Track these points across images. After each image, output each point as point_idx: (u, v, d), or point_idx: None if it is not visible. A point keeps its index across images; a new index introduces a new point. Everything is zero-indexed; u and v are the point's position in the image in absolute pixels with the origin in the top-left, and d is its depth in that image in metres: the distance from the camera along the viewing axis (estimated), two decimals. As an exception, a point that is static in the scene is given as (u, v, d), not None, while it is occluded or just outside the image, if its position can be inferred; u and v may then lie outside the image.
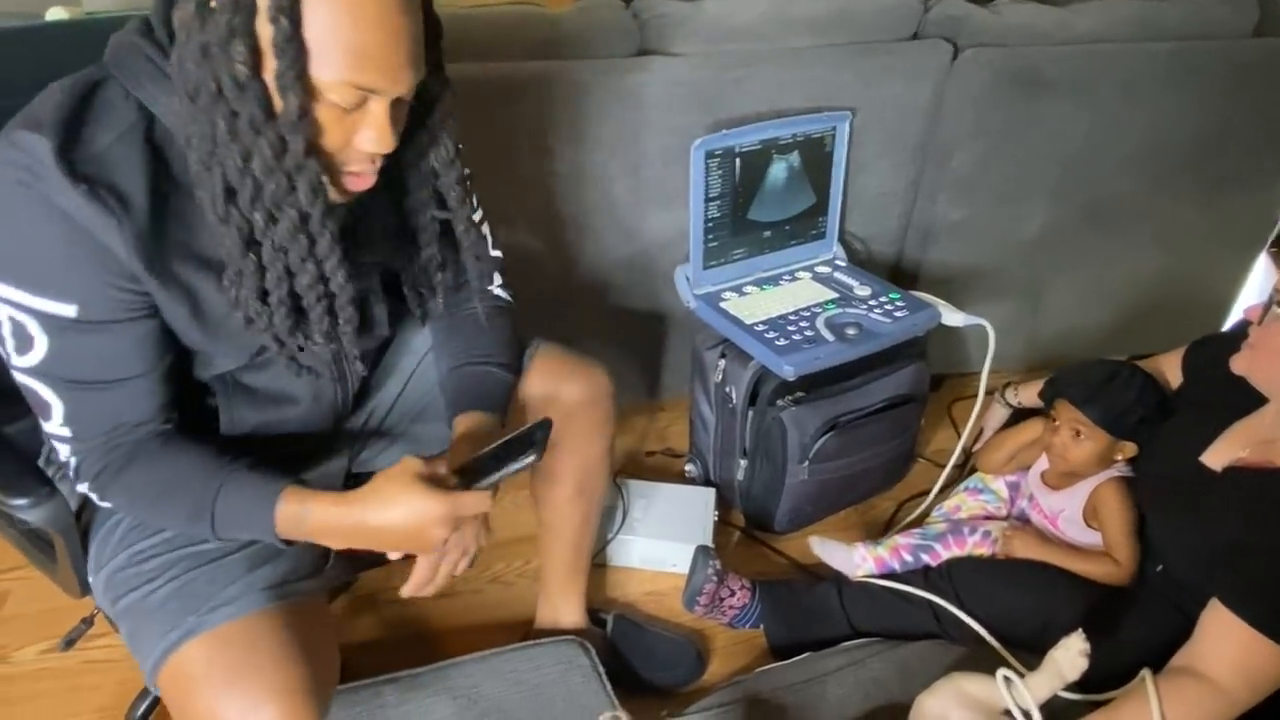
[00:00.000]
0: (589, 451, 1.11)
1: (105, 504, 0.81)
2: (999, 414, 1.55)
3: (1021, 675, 1.02)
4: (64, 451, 0.79)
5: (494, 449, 0.85)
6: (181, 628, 0.80)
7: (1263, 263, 1.97)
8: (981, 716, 1.01)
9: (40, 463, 0.90)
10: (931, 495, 1.55)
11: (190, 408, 0.85)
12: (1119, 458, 1.28)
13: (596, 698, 1.13)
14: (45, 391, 0.75)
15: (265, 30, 0.64)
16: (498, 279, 1.05)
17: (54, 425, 0.77)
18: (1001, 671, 0.97)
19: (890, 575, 1.35)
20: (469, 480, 0.82)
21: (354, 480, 1.03)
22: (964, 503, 1.48)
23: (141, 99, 0.70)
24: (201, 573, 0.83)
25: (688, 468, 1.67)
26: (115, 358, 0.75)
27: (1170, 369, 1.31)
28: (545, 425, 0.85)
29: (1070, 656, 0.99)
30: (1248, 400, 1.08)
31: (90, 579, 0.91)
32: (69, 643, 1.08)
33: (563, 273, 1.56)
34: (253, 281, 0.73)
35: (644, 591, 1.47)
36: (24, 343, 0.72)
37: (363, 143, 0.71)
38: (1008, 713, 1.02)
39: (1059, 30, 1.55)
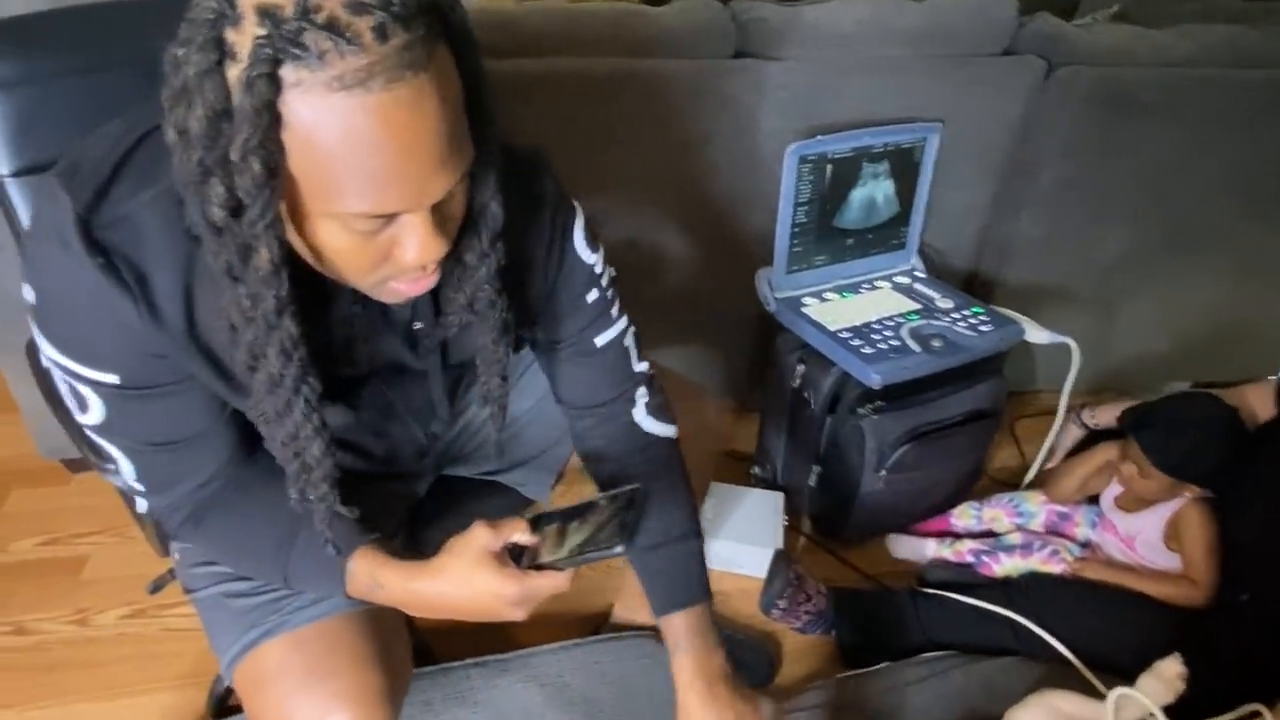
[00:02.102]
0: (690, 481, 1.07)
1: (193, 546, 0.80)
2: (1073, 434, 1.55)
3: (1104, 696, 1.02)
4: (141, 504, 0.76)
5: (584, 506, 0.75)
6: (262, 626, 0.79)
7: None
8: (1074, 735, 1.02)
9: None
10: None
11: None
12: (1186, 494, 1.28)
13: (680, 694, 1.13)
14: (112, 449, 0.71)
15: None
16: (642, 396, 0.90)
17: (126, 480, 0.73)
18: (1118, 690, 0.97)
19: (965, 588, 1.35)
20: (545, 546, 0.73)
21: (440, 483, 1.01)
22: (999, 518, 1.49)
23: None
24: None
25: (754, 470, 1.67)
26: (172, 419, 0.70)
27: (1260, 401, 1.30)
28: (636, 502, 0.74)
29: (1167, 679, 0.99)
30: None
31: (171, 553, 0.91)
32: (157, 587, 1.09)
33: (646, 268, 1.56)
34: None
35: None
36: (81, 404, 0.68)
37: (405, 257, 0.59)
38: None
39: (1152, 53, 1.54)
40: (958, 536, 1.49)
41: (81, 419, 0.69)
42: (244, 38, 0.49)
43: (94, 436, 0.70)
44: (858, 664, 1.27)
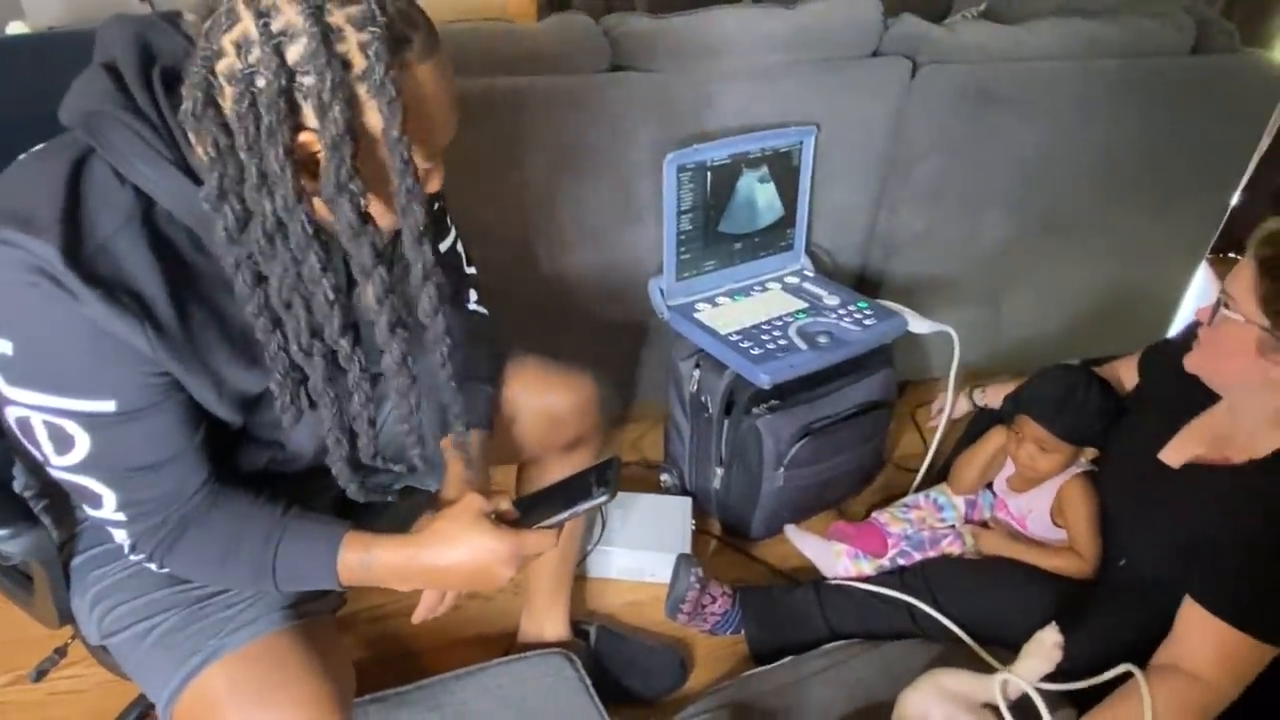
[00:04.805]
0: (578, 461, 1.11)
1: (164, 570, 0.80)
2: (961, 407, 1.59)
3: (995, 670, 1.06)
4: (119, 535, 0.77)
5: (559, 485, 0.85)
6: (203, 652, 0.79)
7: (1203, 271, 2.06)
8: (962, 710, 1.05)
9: (18, 490, 0.87)
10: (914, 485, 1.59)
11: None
12: (1083, 459, 1.33)
13: (585, 710, 1.13)
14: (94, 484, 0.72)
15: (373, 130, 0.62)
16: (473, 295, 1.05)
17: (106, 512, 0.74)
18: (1000, 675, 1.00)
19: (867, 577, 1.38)
20: (532, 517, 0.81)
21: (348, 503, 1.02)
22: (928, 517, 1.51)
23: (136, 182, 0.65)
24: (214, 600, 0.83)
25: (663, 477, 1.68)
26: (160, 438, 0.73)
27: (1126, 372, 1.37)
28: (613, 463, 0.83)
29: (1045, 649, 1.03)
30: (1201, 398, 1.13)
31: (75, 610, 0.88)
32: (41, 674, 1.06)
33: (534, 287, 1.57)
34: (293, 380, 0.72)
35: (624, 602, 1.47)
36: (63, 444, 0.69)
37: (434, 184, 0.73)
38: (986, 705, 1.05)
39: (1012, 48, 1.61)
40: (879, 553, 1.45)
41: (61, 461, 0.70)
42: (351, 46, 0.59)
43: (75, 476, 0.71)
44: (768, 661, 1.29)
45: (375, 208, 0.67)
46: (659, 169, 1.42)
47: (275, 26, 0.58)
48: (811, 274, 1.65)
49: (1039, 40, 1.62)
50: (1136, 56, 1.67)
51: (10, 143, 0.71)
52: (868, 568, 1.41)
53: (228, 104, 0.59)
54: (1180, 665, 1.02)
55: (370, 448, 0.77)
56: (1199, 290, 2.10)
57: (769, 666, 1.23)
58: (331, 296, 0.65)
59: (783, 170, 1.55)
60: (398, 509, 1.05)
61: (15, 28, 1.24)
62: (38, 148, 0.69)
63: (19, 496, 0.85)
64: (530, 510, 0.83)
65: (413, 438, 0.76)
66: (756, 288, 1.60)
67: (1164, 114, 1.72)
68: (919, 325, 1.50)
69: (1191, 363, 1.11)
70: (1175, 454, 1.16)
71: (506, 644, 1.32)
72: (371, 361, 0.72)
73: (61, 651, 1.06)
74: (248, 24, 0.58)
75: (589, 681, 1.17)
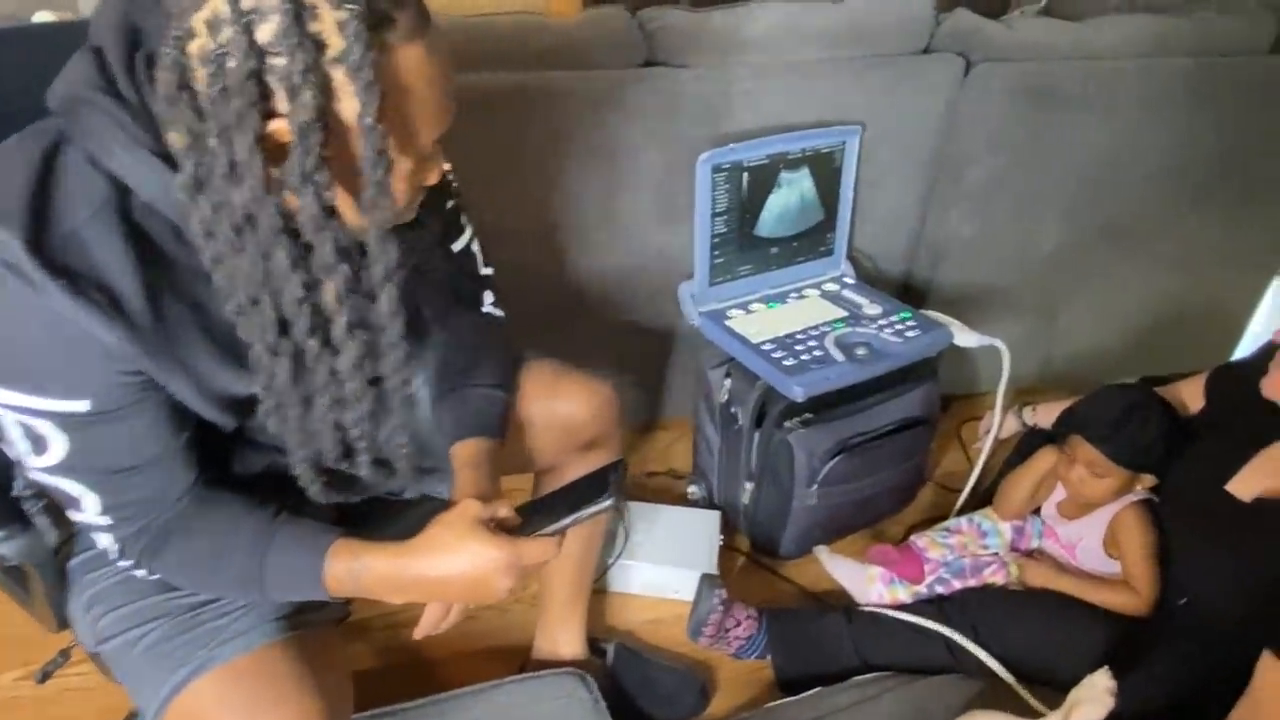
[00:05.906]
0: (594, 466, 1.05)
1: (154, 576, 0.76)
2: (1010, 426, 1.50)
3: (1038, 713, 0.98)
4: (103, 540, 0.73)
5: (561, 490, 0.81)
6: (191, 664, 0.76)
7: (1275, 286, 1.93)
8: (1002, 758, 0.97)
9: (15, 493, 0.85)
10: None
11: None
12: (1139, 487, 1.24)
13: (597, 734, 1.08)
14: (73, 487, 0.69)
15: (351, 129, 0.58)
16: (489, 297, 1.00)
17: (88, 516, 0.71)
18: None
19: (900, 604, 1.31)
20: (533, 524, 0.77)
21: (358, 509, 0.99)
22: (970, 543, 1.41)
23: (112, 169, 0.61)
24: (207, 609, 0.79)
25: (691, 489, 1.62)
26: (140, 440, 0.69)
27: (1191, 395, 1.27)
28: (618, 466, 0.79)
29: (1097, 693, 0.95)
30: (1274, 426, 1.04)
31: (71, 615, 0.86)
32: (45, 675, 1.04)
33: (562, 288, 1.52)
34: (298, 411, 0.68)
35: (645, 619, 1.42)
36: (38, 444, 0.66)
37: (431, 177, 0.69)
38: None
39: (1074, 46, 1.51)
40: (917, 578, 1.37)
41: (37, 462, 0.67)
42: (326, 25, 0.54)
43: (53, 479, 0.68)
44: (795, 690, 1.22)
45: (346, 201, 0.62)
46: (693, 169, 1.37)
47: (245, 4, 0.53)
48: (852, 281, 1.58)
49: (1103, 38, 1.53)
50: (1210, 55, 1.56)
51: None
52: (903, 594, 1.33)
53: (201, 88, 0.55)
54: None
55: (335, 450, 0.71)
56: (1270, 307, 1.97)
57: (794, 698, 1.17)
58: (300, 294, 0.61)
59: (824, 172, 1.48)
60: (410, 518, 1.01)
61: (42, 16, 1.23)
62: (16, 135, 0.65)
63: (15, 499, 0.83)
64: (531, 517, 0.79)
65: (363, 443, 0.71)
66: (793, 294, 1.53)
67: (1239, 116, 1.61)
68: (966, 338, 1.41)
69: (1271, 388, 1.02)
70: (1245, 486, 1.06)
71: (521, 658, 1.28)
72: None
73: (65, 653, 1.04)
74: (218, 1, 0.53)
75: (604, 705, 1.12)
